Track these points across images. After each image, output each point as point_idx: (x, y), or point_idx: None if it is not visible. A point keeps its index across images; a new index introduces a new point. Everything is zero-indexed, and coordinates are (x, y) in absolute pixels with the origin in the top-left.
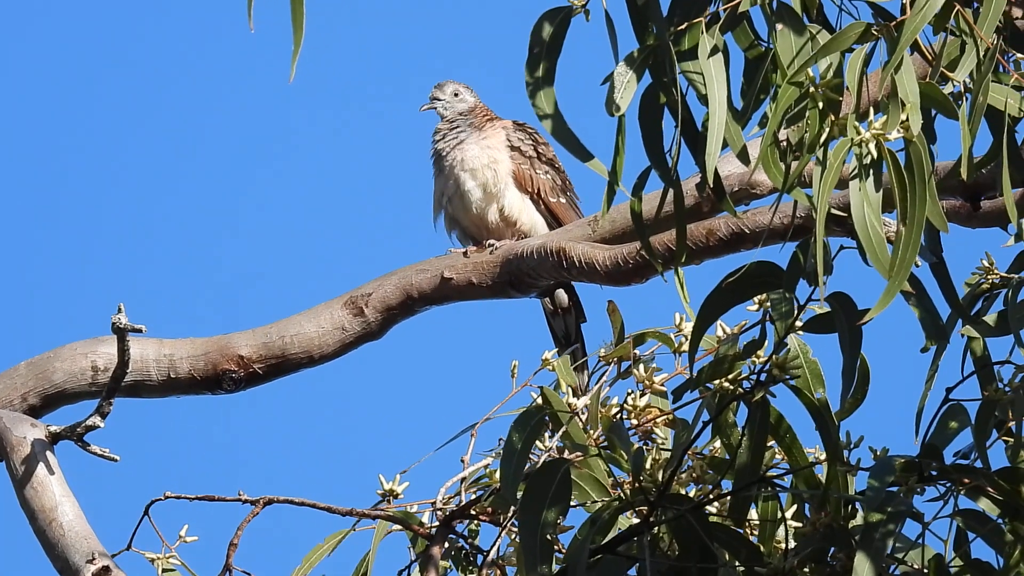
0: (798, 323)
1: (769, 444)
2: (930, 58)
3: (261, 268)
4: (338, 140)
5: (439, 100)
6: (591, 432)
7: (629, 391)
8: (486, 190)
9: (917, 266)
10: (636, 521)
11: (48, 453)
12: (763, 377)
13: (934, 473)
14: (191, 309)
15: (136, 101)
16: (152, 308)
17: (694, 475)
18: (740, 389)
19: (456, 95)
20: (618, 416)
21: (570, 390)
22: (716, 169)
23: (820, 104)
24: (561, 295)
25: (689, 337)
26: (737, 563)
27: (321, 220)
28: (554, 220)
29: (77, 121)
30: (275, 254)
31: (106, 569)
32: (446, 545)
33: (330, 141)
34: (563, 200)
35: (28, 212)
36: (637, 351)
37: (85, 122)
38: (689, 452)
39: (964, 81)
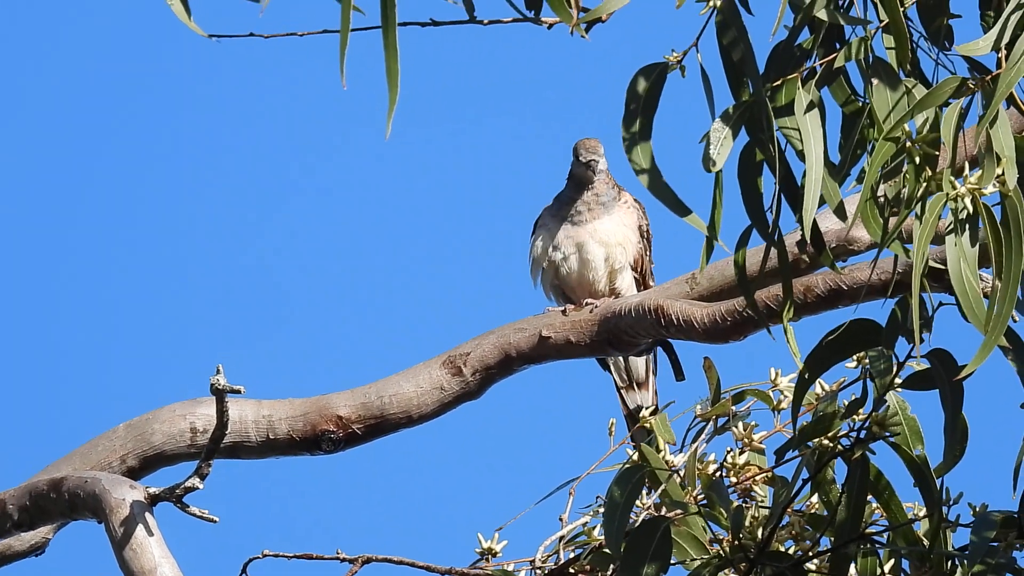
0: (897, 380)
1: (867, 499)
2: None
3: (358, 328)
4: (429, 201)
5: (598, 160)
6: (689, 489)
7: (728, 449)
8: (609, 265)
9: (1015, 320)
10: None
11: (147, 515)
12: (863, 434)
13: None
14: (289, 370)
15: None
16: (249, 368)
17: (793, 532)
18: (840, 446)
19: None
20: (717, 474)
21: (667, 447)
22: (816, 224)
23: (917, 159)
24: (638, 368)
25: (787, 393)
26: None
27: (416, 279)
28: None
29: (167, 177)
30: (371, 314)
31: None
32: None
33: (421, 201)
34: (652, 279)
35: (125, 276)
36: (734, 408)
37: (176, 176)
38: (787, 509)
39: None
